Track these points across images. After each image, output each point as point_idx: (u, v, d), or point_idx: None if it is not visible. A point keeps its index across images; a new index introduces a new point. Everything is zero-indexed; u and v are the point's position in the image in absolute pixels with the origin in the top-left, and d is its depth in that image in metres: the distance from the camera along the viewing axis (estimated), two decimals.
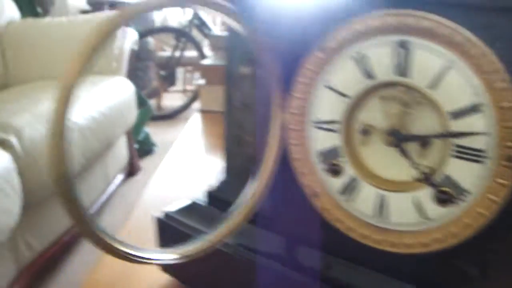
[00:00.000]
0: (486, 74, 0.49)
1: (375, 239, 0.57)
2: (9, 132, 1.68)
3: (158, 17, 4.23)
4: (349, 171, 0.58)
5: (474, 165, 0.51)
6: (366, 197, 0.57)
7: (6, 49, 2.84)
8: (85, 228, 0.49)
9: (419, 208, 0.55)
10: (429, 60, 0.51)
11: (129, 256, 0.53)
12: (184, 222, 0.74)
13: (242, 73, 0.68)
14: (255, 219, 0.67)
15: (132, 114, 2.45)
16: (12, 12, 3.02)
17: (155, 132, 3.03)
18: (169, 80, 4.02)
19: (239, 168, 0.72)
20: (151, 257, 0.57)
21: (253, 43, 0.58)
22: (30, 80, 2.57)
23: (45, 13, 3.70)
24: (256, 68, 0.65)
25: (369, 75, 0.54)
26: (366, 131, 0.57)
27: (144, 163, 2.69)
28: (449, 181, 0.53)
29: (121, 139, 2.47)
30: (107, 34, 0.47)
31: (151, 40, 3.74)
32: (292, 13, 0.61)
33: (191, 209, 0.76)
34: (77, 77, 0.46)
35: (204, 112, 1.92)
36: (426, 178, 0.53)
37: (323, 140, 0.59)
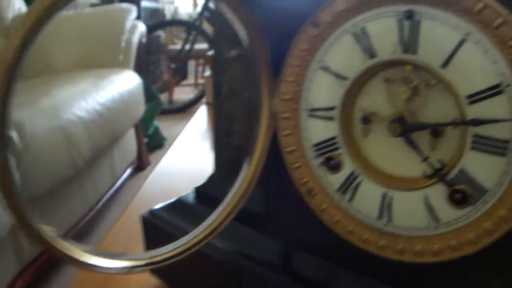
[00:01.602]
0: (510, 48, 0.40)
1: (379, 245, 0.48)
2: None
3: (169, 11, 4.15)
4: (348, 165, 0.48)
5: (496, 158, 0.41)
6: (368, 195, 0.48)
7: None
8: (24, 225, 0.41)
9: (430, 210, 0.45)
10: (440, 32, 0.42)
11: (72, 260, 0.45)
12: (169, 221, 0.66)
13: (230, 57, 0.59)
14: (246, 218, 0.58)
15: (139, 108, 2.35)
16: (19, 5, 2.95)
17: (165, 126, 2.94)
18: (180, 73, 3.92)
19: (228, 161, 0.63)
20: (98, 264, 0.48)
21: (236, 19, 0.49)
22: (36, 74, 2.49)
23: None
24: (244, 50, 0.56)
25: (370, 53, 0.45)
26: (368, 119, 0.47)
27: (154, 158, 2.61)
28: (465, 177, 0.43)
29: (129, 133, 2.39)
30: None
31: (162, 33, 3.65)
32: None
33: (178, 206, 0.67)
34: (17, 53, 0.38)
35: (211, 104, 1.84)
36: (438, 174, 0.44)
37: (318, 130, 0.49)
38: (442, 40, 0.42)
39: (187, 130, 1.59)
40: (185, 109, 3.72)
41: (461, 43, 0.41)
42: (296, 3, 0.49)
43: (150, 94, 2.68)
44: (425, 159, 0.44)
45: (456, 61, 0.41)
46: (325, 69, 0.47)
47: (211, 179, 0.66)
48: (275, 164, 0.53)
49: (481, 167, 0.42)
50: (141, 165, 2.54)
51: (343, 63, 0.46)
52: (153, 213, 0.68)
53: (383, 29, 0.44)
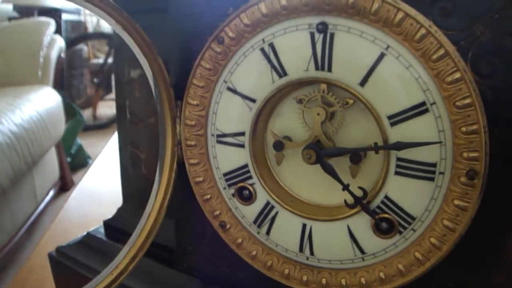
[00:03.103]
0: (434, 62, 0.31)
1: (301, 280, 0.39)
2: None
3: (91, 23, 3.80)
4: (262, 195, 0.39)
5: (423, 183, 0.33)
6: (287, 227, 0.38)
7: None
8: None
9: (354, 240, 0.36)
10: (357, 47, 0.33)
11: None
12: (77, 259, 0.53)
13: (132, 78, 0.48)
14: (160, 255, 0.47)
15: (59, 126, 2.09)
16: None
17: (90, 143, 2.65)
18: (104, 87, 3.60)
19: (136, 193, 0.52)
20: None
21: (128, 38, 0.38)
22: None
23: None
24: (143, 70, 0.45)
25: (280, 71, 0.35)
26: (280, 145, 0.38)
27: (78, 177, 2.32)
28: (390, 205, 0.34)
29: (50, 153, 2.13)
30: None
31: (84, 47, 3.35)
32: None
33: (86, 243, 0.55)
34: None
35: None
36: (360, 203, 0.35)
37: (228, 158, 0.39)
38: (359, 55, 0.33)
39: (109, 147, 1.43)
40: (110, 125, 3.33)
41: (380, 58, 0.32)
42: (201, 18, 0.39)
43: (71, 110, 2.41)
44: (346, 187, 0.35)
45: (375, 78, 0.33)
46: (232, 90, 0.37)
47: (120, 212, 0.54)
48: (186, 196, 0.42)
49: (407, 193, 0.34)
50: (64, 186, 2.24)
51: (251, 83, 0.36)
52: (60, 251, 0.55)
53: (293, 44, 0.34)
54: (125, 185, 0.52)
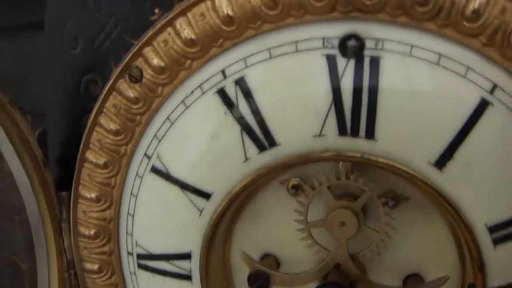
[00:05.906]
0: None
1: None
2: None
3: None
4: None
5: None
6: None
7: None
8: None
9: None
10: (430, 85, 0.15)
11: None
12: None
13: None
14: None
15: None
16: None
17: None
18: None
19: None
20: None
21: None
22: None
23: None
24: None
25: (262, 138, 0.17)
26: (264, 283, 0.19)
27: None
28: None
29: None
30: None
31: None
32: None
33: None
34: None
35: None
36: None
37: None
38: (435, 104, 0.15)
39: None
40: None
41: (478, 111, 0.14)
42: (97, 28, 0.20)
43: None
44: None
45: (466, 153, 0.15)
46: (162, 173, 0.18)
47: None
48: None
49: None
50: None
51: (201, 161, 0.18)
52: None
53: (291, 81, 0.16)
54: None
